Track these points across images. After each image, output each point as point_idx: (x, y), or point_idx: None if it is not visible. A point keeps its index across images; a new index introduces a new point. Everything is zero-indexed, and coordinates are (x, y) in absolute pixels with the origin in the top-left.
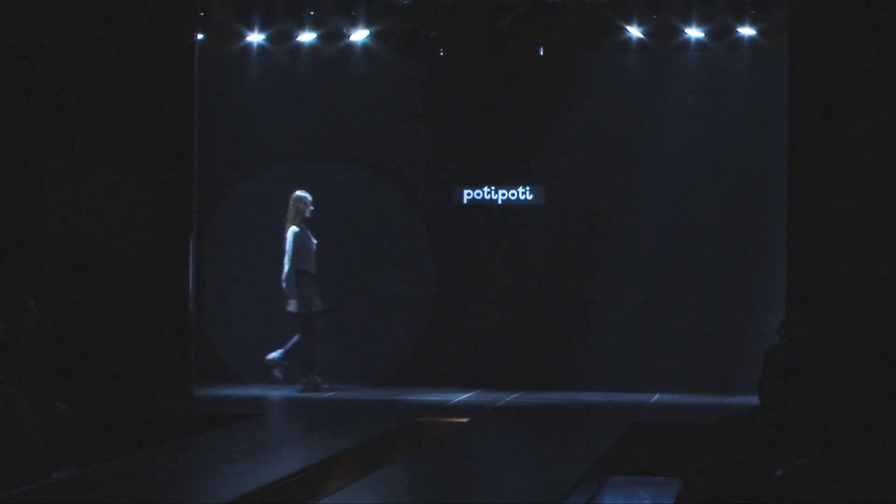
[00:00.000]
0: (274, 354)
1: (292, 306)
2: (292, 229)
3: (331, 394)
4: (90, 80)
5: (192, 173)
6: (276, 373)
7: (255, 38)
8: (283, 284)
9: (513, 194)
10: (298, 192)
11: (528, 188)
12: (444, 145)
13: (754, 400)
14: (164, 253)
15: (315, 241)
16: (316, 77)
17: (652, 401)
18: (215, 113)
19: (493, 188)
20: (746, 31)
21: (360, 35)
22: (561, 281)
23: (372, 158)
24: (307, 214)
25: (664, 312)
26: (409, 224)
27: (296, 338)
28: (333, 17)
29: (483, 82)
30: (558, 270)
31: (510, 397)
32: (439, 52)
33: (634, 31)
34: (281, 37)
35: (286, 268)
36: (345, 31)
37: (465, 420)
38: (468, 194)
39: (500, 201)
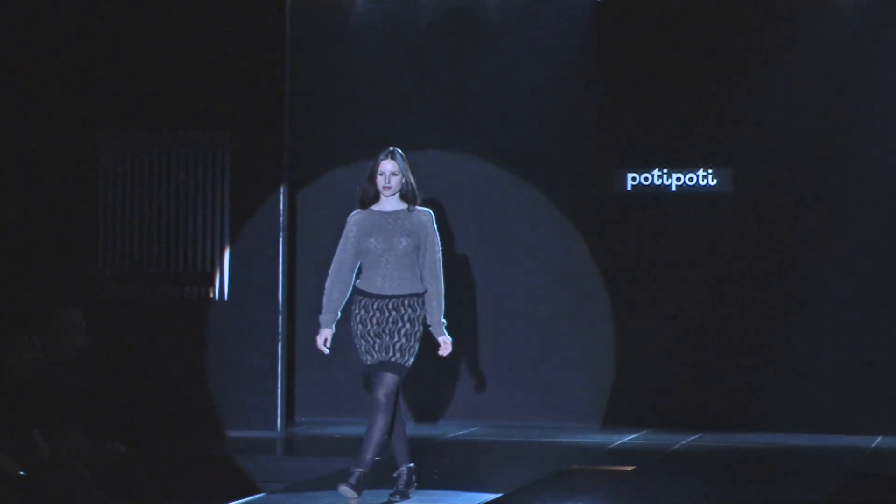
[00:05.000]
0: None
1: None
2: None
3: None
4: (153, 40)
5: (282, 159)
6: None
7: None
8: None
9: (690, 179)
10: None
11: (710, 171)
12: (601, 116)
13: None
14: (247, 258)
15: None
16: (438, 31)
17: (872, 446)
18: (310, 80)
19: (664, 171)
20: None
21: None
22: (752, 291)
23: (508, 135)
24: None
25: (887, 333)
26: (557, 218)
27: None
28: None
29: (652, 31)
30: (748, 277)
31: (687, 440)
32: None
33: None
34: None
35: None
36: None
37: (629, 468)
38: (633, 179)
39: (673, 188)
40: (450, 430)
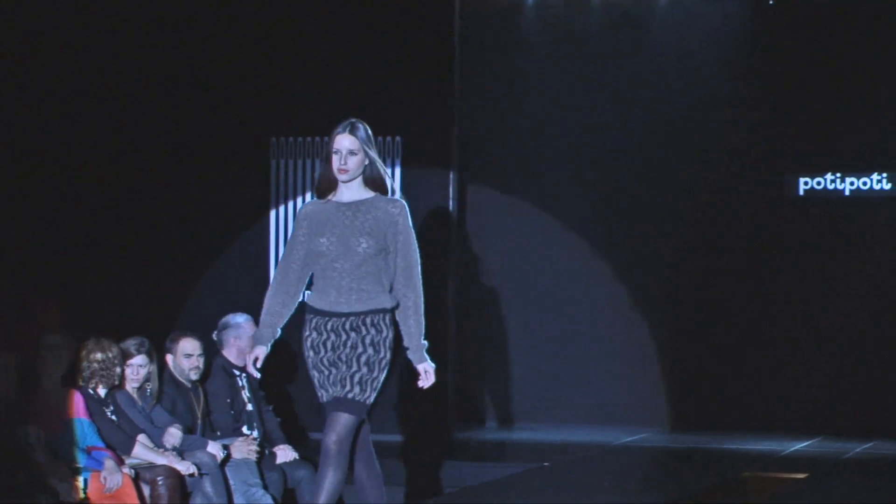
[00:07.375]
0: None
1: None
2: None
3: None
4: (325, 48)
5: (451, 164)
6: None
7: None
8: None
9: (864, 183)
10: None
11: (884, 175)
12: (772, 118)
13: None
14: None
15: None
16: (604, 34)
17: None
18: (480, 85)
19: (837, 175)
20: None
21: None
22: None
23: (676, 139)
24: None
25: None
26: (726, 223)
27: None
28: None
29: (825, 32)
30: None
31: (861, 447)
32: None
33: None
34: None
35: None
36: None
37: (801, 476)
38: (805, 183)
39: (846, 192)
40: (620, 436)
